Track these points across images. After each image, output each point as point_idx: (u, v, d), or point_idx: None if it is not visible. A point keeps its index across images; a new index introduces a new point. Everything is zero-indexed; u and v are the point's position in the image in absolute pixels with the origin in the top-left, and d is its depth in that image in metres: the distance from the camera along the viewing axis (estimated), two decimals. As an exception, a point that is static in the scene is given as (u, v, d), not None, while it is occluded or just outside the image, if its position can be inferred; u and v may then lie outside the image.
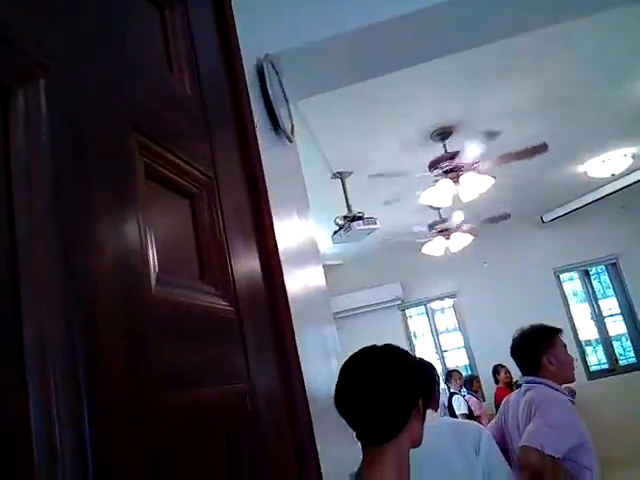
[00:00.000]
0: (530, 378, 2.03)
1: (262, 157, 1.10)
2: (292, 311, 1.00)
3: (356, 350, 1.09)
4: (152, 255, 0.62)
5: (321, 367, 1.28)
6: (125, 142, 0.59)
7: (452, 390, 5.43)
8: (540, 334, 2.07)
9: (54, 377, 0.44)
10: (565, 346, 2.07)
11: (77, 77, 0.53)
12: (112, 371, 0.50)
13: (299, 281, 1.32)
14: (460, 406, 5.15)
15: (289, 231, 1.34)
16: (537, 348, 2.03)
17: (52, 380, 0.43)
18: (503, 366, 5.36)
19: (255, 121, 1.21)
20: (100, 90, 0.56)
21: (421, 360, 1.10)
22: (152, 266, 0.61)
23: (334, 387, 1.04)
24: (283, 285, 0.98)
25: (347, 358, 1.08)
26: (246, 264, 0.89)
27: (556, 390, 1.96)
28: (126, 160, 0.59)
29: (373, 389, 0.99)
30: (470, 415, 5.06)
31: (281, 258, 1.04)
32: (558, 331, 2.10)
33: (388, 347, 1.08)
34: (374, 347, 1.08)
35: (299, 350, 0.98)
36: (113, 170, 0.57)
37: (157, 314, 0.59)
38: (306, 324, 1.26)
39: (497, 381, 5.55)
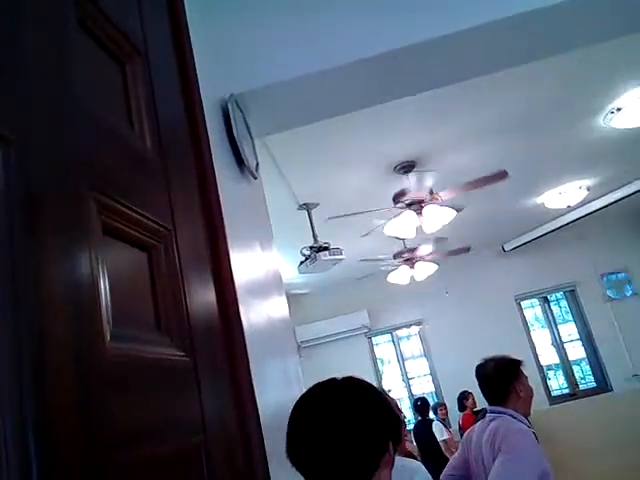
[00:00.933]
0: (496, 408, 2.10)
1: (225, 195, 1.13)
2: (251, 347, 1.01)
3: (323, 379, 0.92)
4: (107, 310, 0.62)
5: (283, 400, 1.28)
6: (81, 202, 0.61)
7: (427, 418, 5.50)
8: (509, 365, 2.18)
9: (1, 440, 0.44)
10: (526, 377, 2.18)
11: (34, 143, 0.54)
12: (61, 432, 0.50)
13: (260, 315, 1.33)
14: (443, 432, 5.18)
15: (250, 266, 1.36)
16: (509, 378, 2.12)
17: (-1, 445, 0.43)
18: (470, 393, 5.41)
19: (219, 160, 1.24)
20: (56, 154, 0.58)
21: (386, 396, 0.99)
22: (106, 321, 0.62)
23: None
24: (240, 324, 0.99)
25: (300, 396, 0.92)
26: (203, 309, 0.90)
27: (520, 421, 2.02)
28: (82, 219, 0.60)
29: (332, 435, 0.82)
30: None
31: (241, 294, 1.05)
32: (520, 362, 2.21)
33: (349, 381, 0.90)
34: (332, 381, 0.90)
35: (259, 387, 0.98)
36: (68, 229, 0.58)
37: (110, 370, 0.60)
38: (267, 358, 1.27)
39: (463, 407, 5.59)
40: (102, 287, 0.62)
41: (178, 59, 1.00)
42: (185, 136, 0.99)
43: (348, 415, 0.84)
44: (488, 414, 2.12)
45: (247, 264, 1.31)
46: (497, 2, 1.61)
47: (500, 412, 2.06)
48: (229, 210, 1.15)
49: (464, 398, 5.57)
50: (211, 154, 1.09)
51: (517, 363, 2.18)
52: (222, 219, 1.05)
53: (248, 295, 1.22)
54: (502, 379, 2.14)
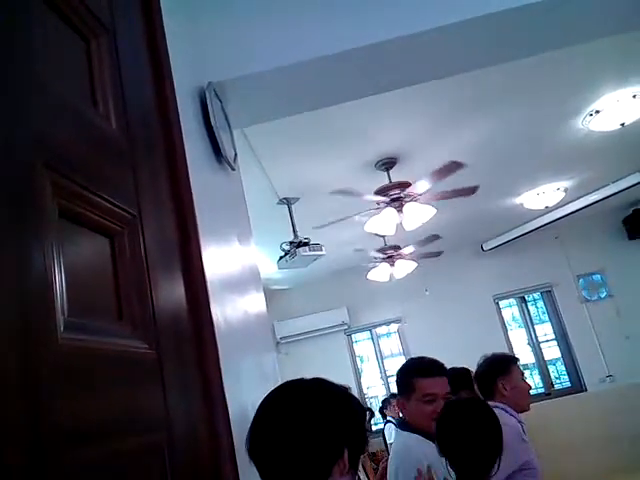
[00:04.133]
0: (488, 402, 2.14)
1: (199, 184, 1.09)
2: (223, 342, 0.98)
3: (302, 375, 0.94)
4: (61, 298, 0.58)
5: (256, 397, 1.25)
6: (33, 181, 0.57)
7: (388, 418, 5.11)
8: (497, 361, 2.24)
9: None
10: (523, 374, 2.24)
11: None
12: (8, 432, 0.46)
13: (234, 310, 1.30)
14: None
15: (225, 259, 1.32)
16: (495, 375, 2.19)
17: None
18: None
19: (194, 148, 1.19)
20: (6, 129, 0.53)
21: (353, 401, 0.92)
22: (60, 311, 0.58)
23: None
24: (210, 318, 0.96)
25: (267, 393, 0.93)
26: (170, 300, 0.86)
27: (511, 415, 2.06)
28: (34, 199, 0.56)
29: (285, 435, 0.83)
30: None
31: (212, 288, 1.02)
32: (515, 360, 2.28)
33: (314, 382, 0.91)
34: (297, 382, 0.92)
35: (229, 384, 0.95)
36: (18, 210, 0.54)
37: (63, 362, 0.56)
38: (240, 354, 1.24)
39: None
40: (56, 274, 0.58)
41: (149, 40, 0.96)
42: (155, 120, 0.95)
43: (302, 417, 0.84)
44: None
45: (221, 257, 1.28)
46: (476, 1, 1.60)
47: (493, 406, 2.11)
48: (203, 200, 1.11)
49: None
50: (183, 141, 1.05)
51: (507, 360, 2.25)
52: (193, 208, 1.01)
53: (221, 289, 1.18)
54: (488, 375, 2.21)
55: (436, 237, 4.59)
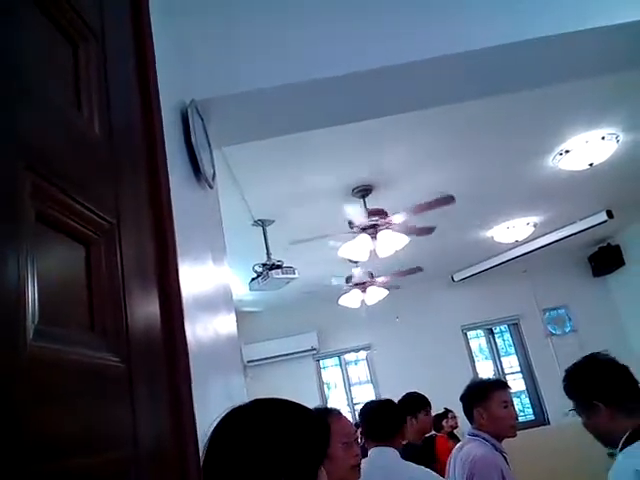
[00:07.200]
0: (471, 430, 2.14)
1: (178, 202, 1.07)
2: (194, 362, 0.95)
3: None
4: (32, 305, 0.56)
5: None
6: (14, 182, 0.55)
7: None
8: (475, 388, 2.18)
9: None
10: (505, 402, 2.12)
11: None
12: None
13: (206, 330, 1.27)
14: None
15: (199, 277, 1.30)
16: (472, 402, 2.13)
17: None
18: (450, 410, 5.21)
19: (174, 163, 1.18)
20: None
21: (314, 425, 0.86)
22: (30, 318, 0.55)
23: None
24: (183, 335, 0.93)
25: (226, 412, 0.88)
26: (144, 314, 0.84)
27: (493, 445, 2.03)
28: (12, 201, 0.54)
29: (225, 461, 0.79)
30: None
31: (186, 306, 0.99)
32: (497, 386, 2.18)
33: (270, 403, 0.88)
34: (257, 402, 0.89)
35: (199, 404, 0.92)
36: (-5, 211, 0.52)
37: (30, 369, 0.53)
38: (210, 375, 1.21)
39: (440, 428, 5.14)
40: (28, 278, 0.56)
41: (137, 49, 0.95)
42: (139, 131, 0.94)
43: (242, 440, 0.80)
44: (466, 436, 2.19)
45: (196, 274, 1.26)
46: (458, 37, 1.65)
47: (473, 435, 2.09)
48: (181, 214, 1.10)
49: (443, 418, 5.31)
50: (165, 155, 1.04)
51: (485, 387, 2.16)
52: (172, 223, 0.99)
53: (195, 307, 1.16)
54: (466, 402, 2.17)
55: (419, 269, 4.59)
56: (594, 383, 1.50)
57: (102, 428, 0.63)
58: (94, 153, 0.74)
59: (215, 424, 0.85)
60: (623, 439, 1.36)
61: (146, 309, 0.85)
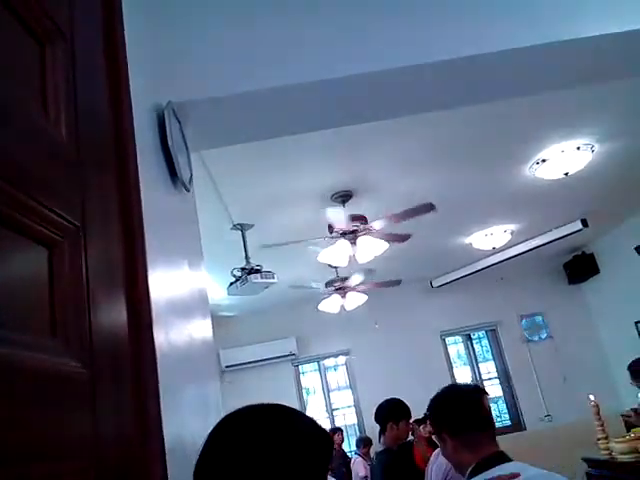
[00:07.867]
0: None
1: (152, 205, 1.06)
2: (163, 368, 0.94)
3: (245, 405, 0.83)
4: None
5: (195, 426, 1.20)
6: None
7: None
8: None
9: None
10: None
11: None
12: None
13: (178, 335, 1.25)
14: (362, 468, 4.93)
15: (172, 282, 1.28)
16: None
17: None
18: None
19: (148, 166, 1.17)
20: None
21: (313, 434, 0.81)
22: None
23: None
24: (151, 341, 0.92)
25: (222, 419, 0.83)
26: (110, 319, 0.82)
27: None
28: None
29: (220, 469, 0.75)
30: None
31: (157, 311, 0.98)
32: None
33: (273, 409, 0.82)
34: (258, 407, 0.82)
35: (167, 410, 0.91)
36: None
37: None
38: (181, 381, 1.19)
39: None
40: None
41: (107, 50, 0.94)
42: (108, 133, 0.92)
43: (246, 450, 0.74)
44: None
45: (169, 279, 1.24)
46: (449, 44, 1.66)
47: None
48: (153, 219, 1.08)
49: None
50: (136, 158, 1.03)
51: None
52: (142, 227, 0.98)
53: (166, 312, 1.14)
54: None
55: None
56: (441, 415, 1.51)
57: (60, 435, 0.62)
58: (59, 154, 0.72)
59: (209, 431, 0.81)
60: (467, 472, 1.36)
61: (112, 314, 0.84)
